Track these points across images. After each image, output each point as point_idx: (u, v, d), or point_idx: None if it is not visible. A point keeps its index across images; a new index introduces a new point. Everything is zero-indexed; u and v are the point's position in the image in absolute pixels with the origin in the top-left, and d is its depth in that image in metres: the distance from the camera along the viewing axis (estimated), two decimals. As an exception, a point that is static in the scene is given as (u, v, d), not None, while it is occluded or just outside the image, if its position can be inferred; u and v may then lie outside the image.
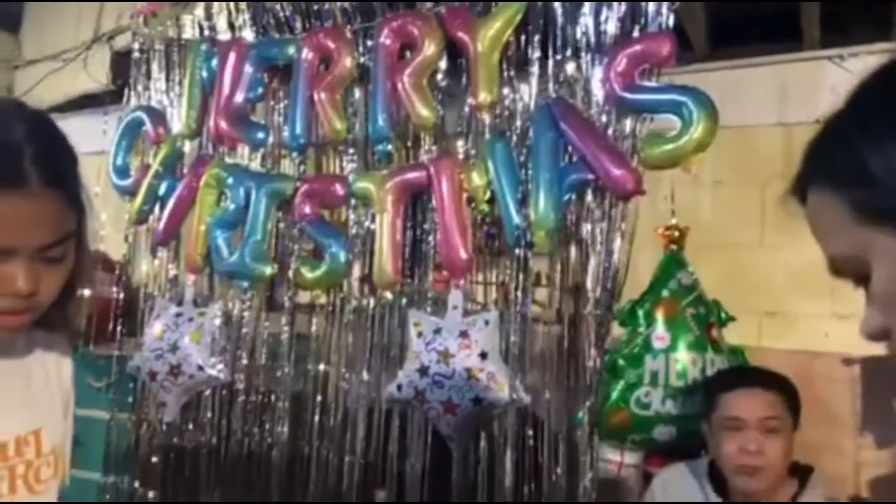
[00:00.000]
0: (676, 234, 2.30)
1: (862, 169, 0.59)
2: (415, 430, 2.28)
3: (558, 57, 2.17)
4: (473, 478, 2.19)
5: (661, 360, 2.19)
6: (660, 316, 2.23)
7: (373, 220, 2.37)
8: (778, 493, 1.88)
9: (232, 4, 2.78)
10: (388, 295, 2.36)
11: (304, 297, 2.59)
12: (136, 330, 2.83)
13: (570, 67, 2.15)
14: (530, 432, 2.15)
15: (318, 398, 2.49)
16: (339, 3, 2.53)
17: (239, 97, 2.67)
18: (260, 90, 2.69)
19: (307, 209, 2.46)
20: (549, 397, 2.17)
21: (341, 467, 2.41)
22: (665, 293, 2.25)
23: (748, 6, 2.70)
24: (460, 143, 2.32)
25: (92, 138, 2.89)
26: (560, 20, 2.15)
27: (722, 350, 2.23)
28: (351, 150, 2.50)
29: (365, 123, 2.45)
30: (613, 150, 2.03)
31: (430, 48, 2.31)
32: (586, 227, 2.10)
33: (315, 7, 2.59)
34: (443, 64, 2.33)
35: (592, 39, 2.11)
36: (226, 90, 2.67)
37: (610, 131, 2.07)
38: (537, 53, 2.19)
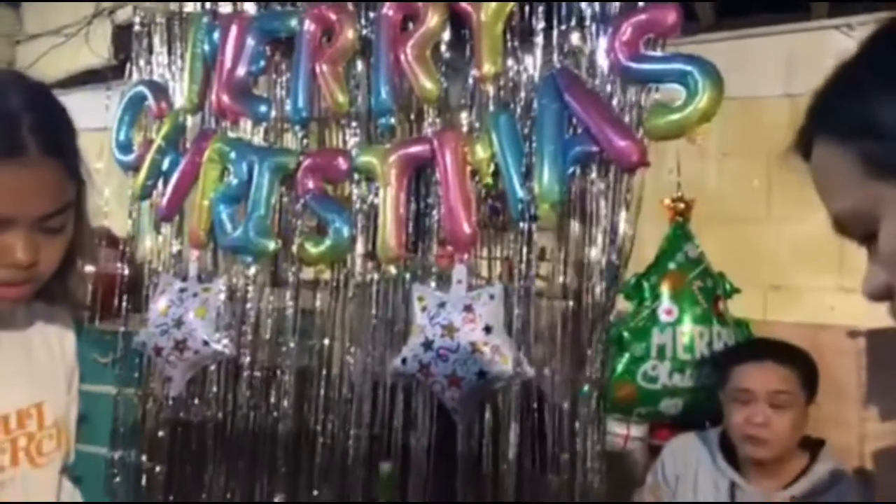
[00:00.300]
0: (682, 206, 2.29)
1: (874, 120, 0.57)
2: (420, 404, 2.29)
3: (563, 27, 2.15)
4: (478, 450, 2.20)
5: (668, 334, 2.18)
6: (666, 289, 2.22)
7: (376, 195, 2.36)
8: (789, 466, 1.88)
9: (233, -23, 2.76)
10: (392, 269, 2.35)
11: (308, 273, 2.59)
12: (141, 306, 2.84)
13: (575, 38, 2.13)
14: (535, 406, 2.16)
15: (324, 373, 2.50)
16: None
17: (241, 71, 2.65)
18: (262, 63, 2.67)
19: (310, 184, 2.45)
20: (553, 371, 2.17)
21: (346, 440, 2.42)
22: (672, 266, 2.23)
23: (754, -25, 2.66)
24: (464, 115, 2.30)
25: (94, 114, 2.89)
26: (564, -11, 2.13)
27: (728, 323, 2.23)
28: (353, 124, 2.48)
29: (367, 96, 2.43)
30: (618, 122, 2.01)
31: (433, 19, 2.28)
32: (591, 200, 2.09)
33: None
34: (446, 35, 2.31)
35: (597, 9, 2.09)
36: (228, 64, 2.65)
37: (615, 102, 2.05)
38: (542, 24, 2.17)
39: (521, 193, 2.10)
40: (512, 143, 2.13)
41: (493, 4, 2.18)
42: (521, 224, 2.13)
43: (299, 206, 2.51)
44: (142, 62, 2.97)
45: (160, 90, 2.88)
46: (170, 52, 2.91)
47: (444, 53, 2.33)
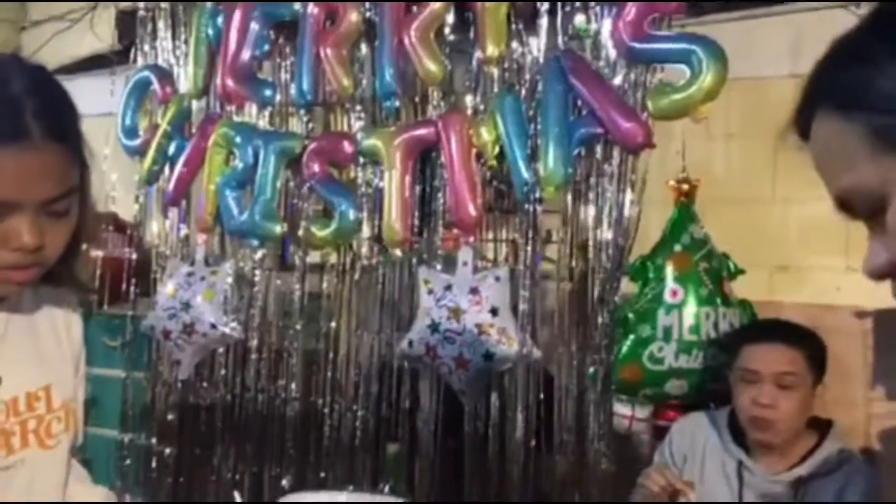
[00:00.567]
0: (687, 187, 2.28)
1: (881, 91, 0.54)
2: (427, 386, 2.30)
3: (567, 9, 2.14)
4: (485, 431, 2.21)
5: (674, 315, 2.18)
6: (672, 270, 2.21)
7: (381, 178, 2.36)
8: (796, 446, 1.88)
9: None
10: (398, 252, 2.36)
11: (314, 257, 2.60)
12: (149, 290, 2.86)
13: (580, 19, 2.12)
14: (541, 387, 2.17)
15: (331, 355, 2.51)
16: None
17: (245, 55, 2.65)
18: (266, 47, 2.66)
19: (316, 167, 2.45)
20: (560, 353, 2.17)
21: (354, 422, 2.44)
22: (677, 247, 2.23)
23: (761, -46, 2.64)
24: (469, 98, 2.30)
25: (100, 99, 2.90)
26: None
27: (733, 304, 2.23)
28: (358, 107, 2.48)
29: (372, 79, 2.43)
30: (623, 104, 2.01)
31: (437, 2, 2.28)
32: (596, 182, 2.09)
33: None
34: (450, 17, 2.30)
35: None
36: (232, 48, 2.65)
37: (619, 81, 2.05)
38: (546, 5, 2.16)
39: (526, 175, 2.10)
40: (517, 125, 2.13)
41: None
42: (527, 206, 2.13)
43: (305, 189, 2.52)
44: (146, 47, 2.97)
45: (165, 75, 2.88)
46: (174, 37, 2.91)
47: (448, 36, 2.32)
